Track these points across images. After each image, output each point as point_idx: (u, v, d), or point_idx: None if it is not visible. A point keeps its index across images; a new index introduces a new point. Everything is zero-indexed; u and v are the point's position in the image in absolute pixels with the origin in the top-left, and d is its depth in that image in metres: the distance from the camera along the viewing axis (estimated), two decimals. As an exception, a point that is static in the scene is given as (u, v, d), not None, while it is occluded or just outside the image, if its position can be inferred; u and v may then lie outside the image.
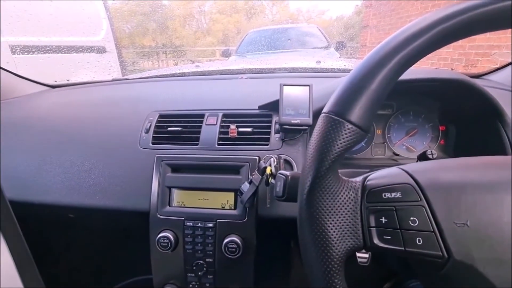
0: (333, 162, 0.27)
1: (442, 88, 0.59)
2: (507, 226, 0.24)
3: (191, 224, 0.56)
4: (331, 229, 0.27)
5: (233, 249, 0.54)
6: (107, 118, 0.70)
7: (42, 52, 1.74)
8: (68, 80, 1.04)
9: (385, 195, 0.27)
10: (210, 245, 0.56)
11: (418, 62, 0.27)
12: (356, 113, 0.26)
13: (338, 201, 0.28)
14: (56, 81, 1.01)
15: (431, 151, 0.46)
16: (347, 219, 0.27)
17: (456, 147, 0.67)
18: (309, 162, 0.28)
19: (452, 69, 0.87)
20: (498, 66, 0.75)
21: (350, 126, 0.26)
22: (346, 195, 0.28)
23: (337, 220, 0.27)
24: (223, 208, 0.57)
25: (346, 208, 0.28)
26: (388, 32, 3.98)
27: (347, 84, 0.27)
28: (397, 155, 0.69)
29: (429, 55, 0.26)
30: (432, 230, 0.25)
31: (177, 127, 0.63)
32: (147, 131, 0.64)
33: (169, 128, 0.63)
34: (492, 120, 0.57)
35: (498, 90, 0.69)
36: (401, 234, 0.26)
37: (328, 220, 0.27)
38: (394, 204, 0.27)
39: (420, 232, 0.25)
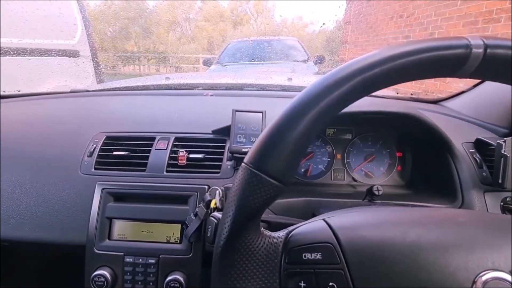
0: (252, 216, 0.25)
1: (393, 119, 0.59)
2: None
3: (131, 260, 0.51)
4: None
5: None
6: (48, 138, 0.63)
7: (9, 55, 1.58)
8: (18, 91, 0.96)
9: (305, 256, 0.25)
10: (151, 284, 0.51)
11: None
12: (276, 166, 0.24)
13: (255, 260, 0.25)
14: (5, 92, 0.93)
15: (377, 187, 0.45)
16: (263, 283, 0.25)
17: (412, 174, 0.67)
18: (225, 214, 0.25)
19: (411, 94, 0.90)
20: (454, 92, 0.78)
21: (268, 180, 0.24)
22: (265, 253, 0.25)
23: (252, 284, 0.24)
24: (168, 242, 0.53)
25: (263, 269, 0.25)
26: (365, 48, 4.14)
27: (267, 134, 0.24)
28: (356, 181, 0.68)
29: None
30: None
31: (123, 151, 0.59)
32: (91, 155, 0.59)
33: (114, 152, 0.59)
34: (442, 151, 0.58)
35: (451, 118, 0.71)
36: None
37: (242, 286, 0.24)
38: (314, 267, 0.24)
39: None
